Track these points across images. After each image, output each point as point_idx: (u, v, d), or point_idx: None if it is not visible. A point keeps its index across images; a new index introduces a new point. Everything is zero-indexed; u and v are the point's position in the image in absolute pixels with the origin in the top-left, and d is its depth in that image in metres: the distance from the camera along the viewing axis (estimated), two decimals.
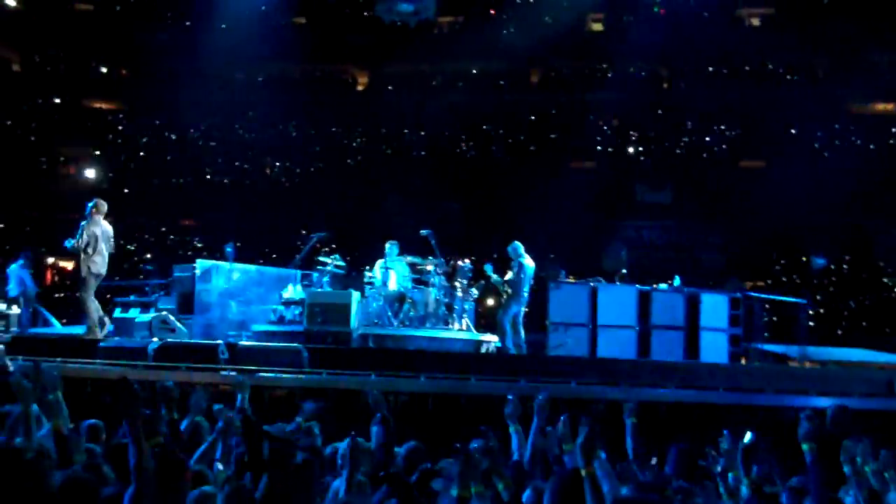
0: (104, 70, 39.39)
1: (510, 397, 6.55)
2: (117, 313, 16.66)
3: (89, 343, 13.20)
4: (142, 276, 20.42)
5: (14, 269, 19.18)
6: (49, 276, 34.94)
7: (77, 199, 34.46)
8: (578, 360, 13.39)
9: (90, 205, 14.58)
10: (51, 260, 35.31)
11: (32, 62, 38.51)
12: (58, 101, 37.71)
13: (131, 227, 34.66)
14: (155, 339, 13.38)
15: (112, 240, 14.68)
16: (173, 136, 37.27)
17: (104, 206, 14.65)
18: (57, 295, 30.32)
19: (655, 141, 34.60)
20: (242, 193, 34.22)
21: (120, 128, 38.01)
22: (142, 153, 37.19)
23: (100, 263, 14.38)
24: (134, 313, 16.28)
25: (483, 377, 11.72)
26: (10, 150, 34.81)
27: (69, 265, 34.92)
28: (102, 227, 14.49)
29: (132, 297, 17.42)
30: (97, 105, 39.20)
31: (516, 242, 15.86)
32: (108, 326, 14.94)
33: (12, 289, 19.05)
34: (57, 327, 19.42)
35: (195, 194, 34.97)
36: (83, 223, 14.37)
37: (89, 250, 14.31)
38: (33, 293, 19.14)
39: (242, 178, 35.87)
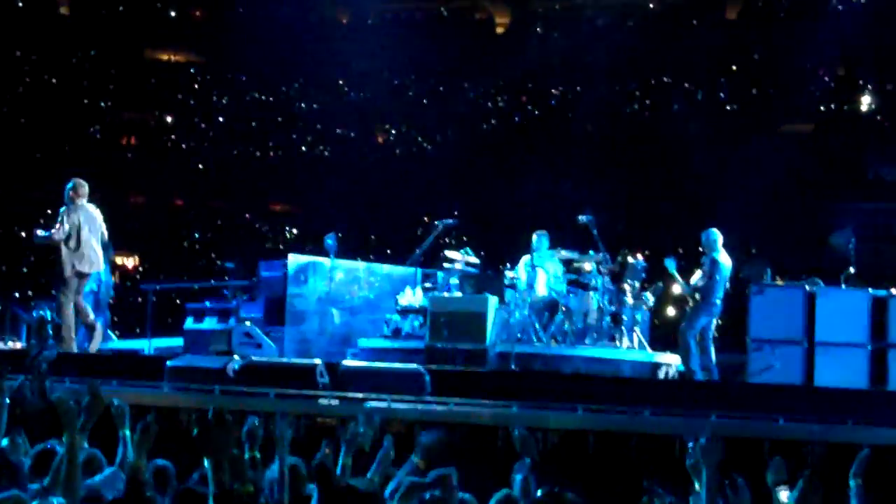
0: (173, 14, 40.41)
1: (698, 440, 6.43)
2: (189, 324, 17.10)
3: (152, 361, 13.57)
4: (220, 277, 20.90)
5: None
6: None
7: (137, 174, 35.91)
8: (789, 389, 13.11)
9: (68, 187, 14.97)
10: None
11: (84, 3, 39.75)
12: (115, 52, 38.79)
13: (207, 212, 35.62)
14: (236, 357, 13.65)
15: (103, 229, 15.05)
16: (261, 97, 38.01)
17: (85, 188, 15.05)
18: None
19: None
20: (348, 169, 34.65)
21: (194, 86, 38.92)
22: (220, 118, 38.04)
23: (87, 259, 14.79)
24: (210, 324, 16.68)
25: (661, 410, 11.60)
26: (57, 113, 35.95)
27: (129, 262, 36.08)
28: (87, 213, 14.92)
29: (207, 304, 17.83)
30: (164, 57, 40.26)
31: (712, 230, 15.57)
32: (111, 340, 15.27)
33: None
34: (113, 341, 20.05)
35: (288, 171, 35.63)
36: (62, 210, 14.77)
37: (72, 243, 14.64)
38: (108, 295, 19.47)
39: (348, 149, 36.35)
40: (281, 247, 30.78)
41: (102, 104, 37.51)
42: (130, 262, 36.17)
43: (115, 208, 36.06)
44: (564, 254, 16.62)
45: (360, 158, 35.82)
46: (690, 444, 6.16)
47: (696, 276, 15.61)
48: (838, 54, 33.92)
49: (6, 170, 33.35)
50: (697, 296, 15.42)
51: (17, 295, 27.64)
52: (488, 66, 36.81)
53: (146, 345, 18.55)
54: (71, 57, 37.75)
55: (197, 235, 34.97)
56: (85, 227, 14.86)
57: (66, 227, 14.73)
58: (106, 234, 15.40)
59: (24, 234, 34.28)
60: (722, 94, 35.01)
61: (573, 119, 34.84)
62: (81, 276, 14.98)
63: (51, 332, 14.41)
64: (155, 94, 38.21)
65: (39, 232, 15.30)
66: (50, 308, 15.30)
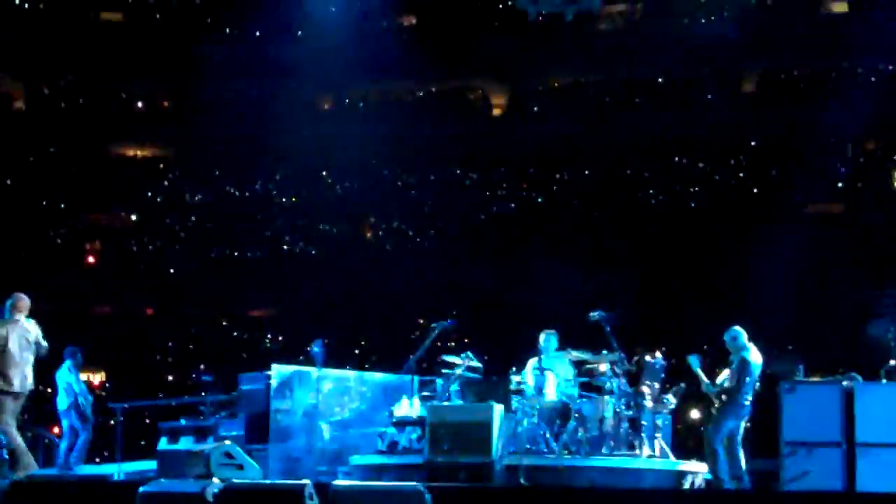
0: (140, 104, 40.70)
1: None
2: (163, 444, 17.03)
3: (122, 488, 13.50)
4: (196, 392, 20.86)
5: (63, 372, 19.69)
6: None
7: (103, 281, 35.86)
8: (829, 497, 13.05)
9: (9, 302, 15.25)
10: None
11: (39, 95, 40.02)
12: (76, 149, 38.97)
13: (180, 321, 35.57)
14: (216, 481, 13.59)
15: (41, 342, 15.20)
16: (236, 192, 38.16)
17: (25, 301, 15.30)
18: None
19: None
20: (334, 269, 34.69)
21: (163, 183, 39.01)
22: (193, 218, 38.10)
23: (14, 379, 14.88)
24: (186, 444, 16.61)
25: None
26: (13, 216, 36.04)
27: (95, 378, 35.99)
28: (21, 329, 15.10)
29: (182, 422, 17.79)
30: (130, 153, 40.48)
31: (735, 328, 15.67)
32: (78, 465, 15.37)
33: (61, 400, 19.54)
34: (80, 467, 19.95)
35: (268, 272, 35.66)
36: None
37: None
38: (89, 407, 19.49)
39: (333, 246, 36.39)
40: (262, 357, 30.72)
41: (63, 205, 37.61)
42: (96, 378, 36.05)
43: (79, 320, 36.35)
44: (575, 354, 16.62)
45: (347, 256, 35.83)
46: None
47: (723, 376, 15.62)
48: (865, 127, 34.15)
49: None
50: (724, 396, 15.41)
51: None
52: (485, 150, 37.02)
53: (115, 469, 18.49)
54: (28, 155, 37.89)
55: (170, 346, 34.91)
56: (15, 343, 15.01)
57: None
58: (44, 346, 15.43)
59: None
60: (741, 174, 35.20)
61: (580, 205, 35.01)
62: (10, 395, 15.03)
63: (5, 457, 14.51)
64: (120, 192, 38.29)
65: None
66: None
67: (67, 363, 19.64)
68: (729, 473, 15.16)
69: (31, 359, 15.27)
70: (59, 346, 34.15)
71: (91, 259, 37.95)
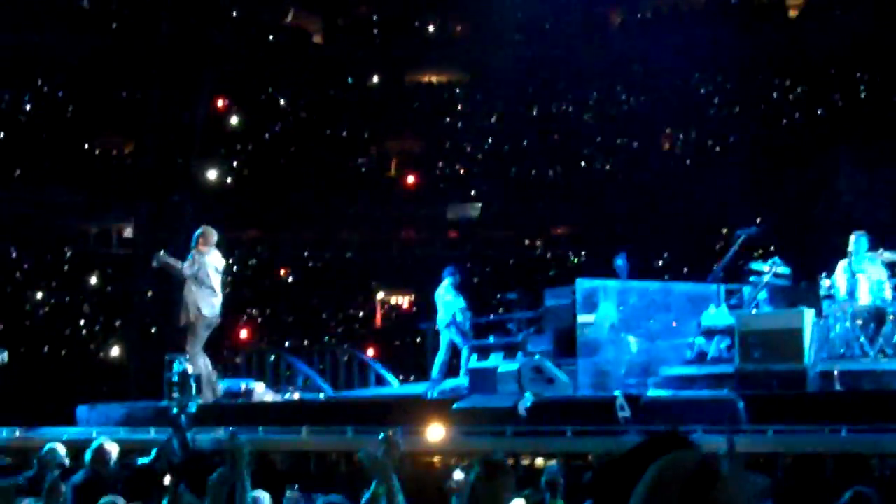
0: (431, 28, 41.20)
1: None
2: (473, 362, 17.31)
3: (437, 405, 13.80)
4: (502, 310, 21.07)
5: (443, 290, 19.99)
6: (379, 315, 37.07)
7: (403, 205, 36.68)
8: None
9: (197, 234, 16.09)
10: (380, 296, 37.44)
11: (335, 28, 40.96)
12: (373, 79, 39.83)
13: (484, 242, 36.09)
14: (527, 395, 13.74)
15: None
16: (530, 113, 38.31)
17: (214, 236, 16.15)
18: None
19: None
20: (632, 182, 34.49)
21: (458, 106, 39.51)
22: (490, 139, 38.47)
23: (208, 308, 15.72)
24: (495, 361, 16.83)
25: None
26: (318, 147, 37.20)
27: (404, 300, 36.90)
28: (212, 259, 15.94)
29: (491, 339, 18.02)
30: (425, 79, 41.07)
31: None
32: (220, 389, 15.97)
33: (441, 317, 19.69)
34: (393, 385, 20.52)
35: (567, 190, 35.73)
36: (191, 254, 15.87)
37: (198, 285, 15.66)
38: (467, 322, 19.58)
39: (631, 161, 36.18)
40: (566, 273, 30.88)
41: (365, 134, 38.53)
42: (406, 300, 37.01)
43: (384, 245, 37.35)
44: (888, 255, 16.07)
45: (644, 169, 35.54)
46: None
47: None
48: None
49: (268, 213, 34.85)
50: None
51: (287, 343, 28.63)
52: (781, 55, 35.94)
53: (427, 387, 18.88)
54: (328, 87, 38.89)
55: (473, 267, 35.47)
56: (206, 273, 15.94)
57: (196, 267, 15.84)
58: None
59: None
60: None
61: (888, 106, 33.69)
62: (203, 324, 15.94)
63: (193, 384, 15.28)
64: (416, 117, 38.94)
65: (162, 253, 16.41)
66: (187, 361, 16.06)
67: (448, 281, 19.75)
68: None
69: (220, 289, 16.10)
70: (366, 273, 35.69)
71: (394, 186, 38.68)
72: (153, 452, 12.66)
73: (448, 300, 19.44)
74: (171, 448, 12.93)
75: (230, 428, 11.77)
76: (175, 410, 14.27)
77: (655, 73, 36.10)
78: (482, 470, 6.28)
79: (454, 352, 19.10)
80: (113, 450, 12.33)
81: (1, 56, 33.99)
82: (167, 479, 10.86)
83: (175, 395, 15.26)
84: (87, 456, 11.67)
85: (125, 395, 20.84)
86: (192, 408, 14.94)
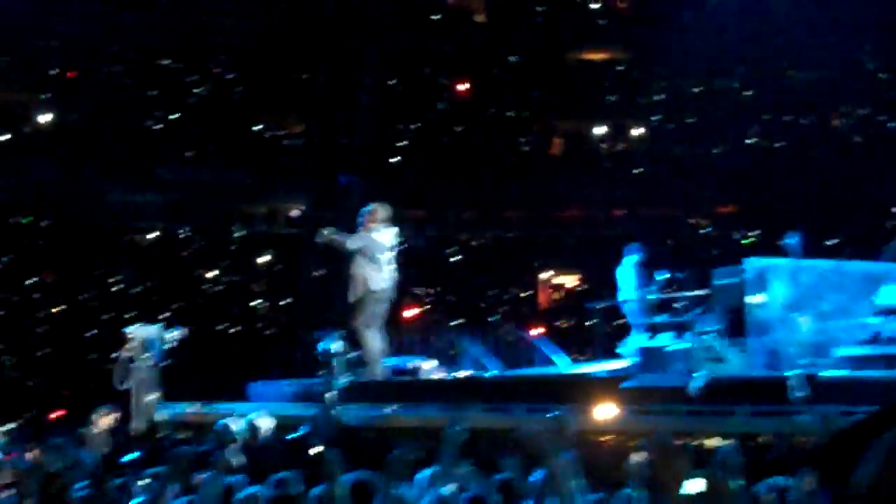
0: (595, 6, 40.95)
1: None
2: (642, 341, 17.20)
3: (605, 384, 13.75)
4: (671, 289, 20.88)
5: (624, 267, 20.01)
6: (543, 295, 37.06)
7: (568, 187, 36.58)
8: None
9: (366, 211, 16.30)
10: (543, 276, 37.41)
11: (499, 5, 40.92)
12: (537, 57, 39.71)
13: (649, 221, 35.86)
14: (698, 374, 13.60)
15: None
16: (695, 91, 37.90)
17: (382, 213, 16.32)
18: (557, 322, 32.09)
19: None
20: (801, 161, 33.96)
21: (622, 86, 39.21)
22: (653, 117, 38.18)
23: (378, 282, 15.98)
24: (664, 340, 16.71)
25: None
26: (480, 126, 37.24)
27: (569, 281, 36.83)
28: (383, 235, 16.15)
29: (660, 318, 17.89)
30: (587, 56, 40.83)
31: None
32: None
33: (621, 293, 19.80)
34: (560, 364, 20.49)
35: (732, 169, 35.31)
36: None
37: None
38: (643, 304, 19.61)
39: (799, 138, 35.62)
40: (734, 252, 30.53)
41: (527, 113, 38.50)
42: (570, 280, 36.92)
43: (546, 223, 37.30)
44: None
45: (814, 147, 34.95)
46: None
47: None
48: None
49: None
50: None
51: (452, 322, 28.80)
52: None
53: (593, 367, 18.81)
54: (491, 66, 38.93)
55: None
56: (377, 249, 16.15)
57: (361, 242, 16.07)
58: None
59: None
60: None
61: None
62: (373, 298, 16.24)
63: (336, 362, 15.62)
64: (580, 97, 38.77)
65: (327, 230, 16.65)
66: (338, 337, 16.36)
67: (631, 259, 19.84)
68: None
69: (391, 265, 16.27)
70: (529, 252, 35.69)
71: (558, 165, 38.57)
72: (302, 428, 13.08)
73: (628, 278, 19.41)
74: (319, 423, 13.28)
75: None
76: (322, 387, 14.60)
77: (825, 47, 35.38)
78: (658, 452, 6.25)
79: (624, 330, 19.05)
80: (266, 424, 12.63)
81: (171, 38, 34.77)
82: (314, 450, 11.11)
83: (323, 372, 15.62)
84: (240, 429, 12.01)
85: (295, 372, 21.16)
86: (340, 384, 15.29)
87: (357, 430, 14.16)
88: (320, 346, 16.17)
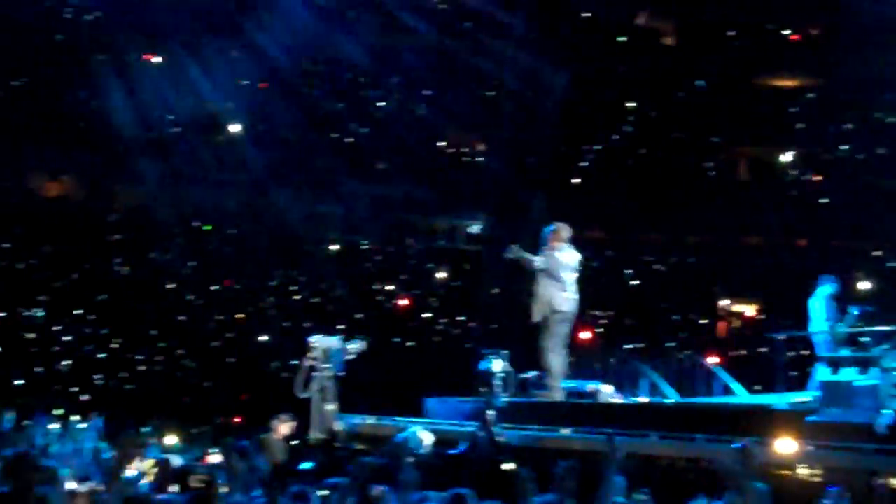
0: (786, 32, 40.34)
1: None
2: (825, 374, 16.81)
3: (788, 417, 13.46)
4: (861, 323, 20.39)
5: (816, 299, 19.76)
6: (722, 322, 36.58)
7: (752, 212, 35.99)
8: None
9: (549, 230, 16.25)
10: (722, 303, 36.93)
11: (688, 30, 40.58)
12: (724, 81, 39.23)
13: (834, 251, 35.17)
14: (886, 412, 13.25)
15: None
16: (887, 119, 37.08)
17: (566, 232, 16.27)
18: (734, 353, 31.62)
19: None
20: None
21: (810, 114, 38.51)
22: (843, 146, 37.42)
23: (563, 302, 15.98)
24: (850, 374, 16.31)
25: None
26: (662, 149, 36.93)
27: (748, 309, 36.27)
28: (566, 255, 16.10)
29: (846, 352, 17.47)
30: (777, 82, 40.22)
31: None
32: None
33: (812, 325, 19.57)
34: (740, 394, 20.15)
35: None
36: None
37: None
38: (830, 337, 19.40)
39: None
40: None
41: (716, 139, 38.11)
42: (749, 309, 36.35)
43: (730, 253, 36.78)
44: None
45: None
46: None
47: None
48: None
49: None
50: None
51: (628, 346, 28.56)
52: None
53: (775, 399, 18.43)
54: (677, 89, 38.60)
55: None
56: (561, 268, 16.14)
57: (548, 262, 16.10)
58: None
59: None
60: None
61: None
62: (557, 318, 16.22)
63: (498, 382, 15.67)
64: (768, 124, 38.21)
65: (517, 246, 16.53)
66: (499, 357, 16.29)
67: (823, 290, 19.54)
68: None
69: (574, 285, 16.29)
70: (709, 279, 35.24)
71: (742, 191, 38.06)
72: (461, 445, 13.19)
73: (819, 310, 19.06)
74: (478, 441, 13.33)
75: (608, 431, 11.92)
76: (482, 405, 14.69)
77: None
78: (855, 491, 6.09)
79: (807, 362, 18.67)
80: (426, 439, 12.70)
81: (359, 53, 35.22)
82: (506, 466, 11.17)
83: (483, 390, 15.72)
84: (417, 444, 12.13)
85: (472, 390, 21.19)
86: (499, 403, 15.38)
87: (517, 450, 14.17)
88: (481, 365, 16.30)
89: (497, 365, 16.16)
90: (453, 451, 13.55)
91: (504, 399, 15.89)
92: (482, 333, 30.86)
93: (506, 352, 16.89)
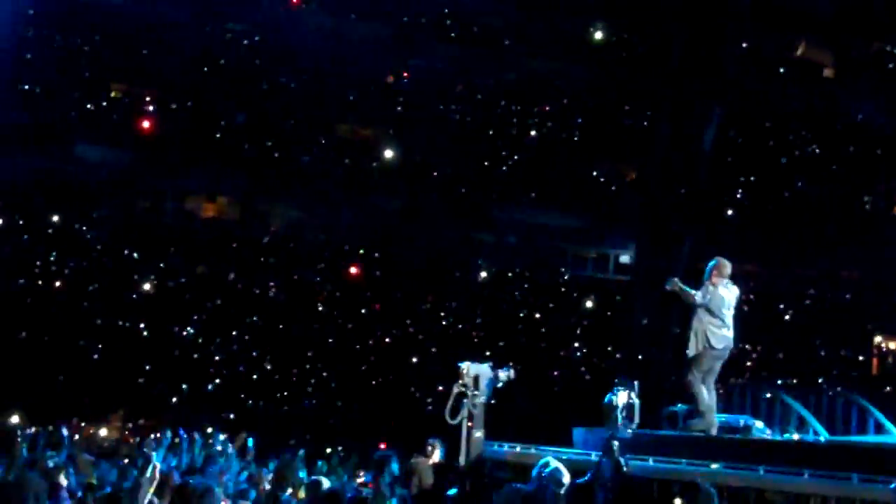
0: None
1: None
2: None
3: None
4: None
5: None
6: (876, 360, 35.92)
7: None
8: None
9: (712, 264, 16.08)
10: (877, 340, 36.26)
11: (849, 62, 39.82)
12: (881, 111, 38.43)
13: None
14: None
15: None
16: None
17: (728, 268, 16.10)
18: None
19: None
20: None
21: None
22: None
23: (717, 339, 15.91)
24: None
25: None
26: (822, 182, 36.37)
27: None
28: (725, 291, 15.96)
29: None
30: None
31: None
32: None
33: None
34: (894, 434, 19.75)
35: None
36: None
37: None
38: None
39: None
40: None
41: (870, 172, 37.43)
42: None
43: (885, 289, 35.98)
44: None
45: None
46: None
47: None
48: None
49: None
50: None
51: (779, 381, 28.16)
52: None
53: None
54: (835, 123, 37.91)
55: None
56: (719, 304, 15.97)
57: (708, 297, 15.94)
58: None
59: None
60: None
61: None
62: (710, 353, 16.09)
63: (620, 414, 16.22)
64: None
65: (677, 279, 16.53)
66: (626, 389, 16.73)
67: None
68: None
69: (732, 322, 16.16)
70: (863, 315, 34.56)
71: None
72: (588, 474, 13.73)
73: None
74: (601, 471, 13.90)
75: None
76: (607, 436, 14.75)
77: None
78: None
79: None
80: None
81: (509, 81, 35.33)
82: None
83: (608, 421, 16.22)
84: (534, 472, 12.24)
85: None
86: (623, 434, 15.74)
87: (642, 482, 14.22)
88: (607, 397, 16.33)
89: (622, 397, 16.54)
90: (580, 481, 13.62)
91: (631, 430, 16.22)
92: (627, 365, 30.66)
93: (635, 382, 16.97)
